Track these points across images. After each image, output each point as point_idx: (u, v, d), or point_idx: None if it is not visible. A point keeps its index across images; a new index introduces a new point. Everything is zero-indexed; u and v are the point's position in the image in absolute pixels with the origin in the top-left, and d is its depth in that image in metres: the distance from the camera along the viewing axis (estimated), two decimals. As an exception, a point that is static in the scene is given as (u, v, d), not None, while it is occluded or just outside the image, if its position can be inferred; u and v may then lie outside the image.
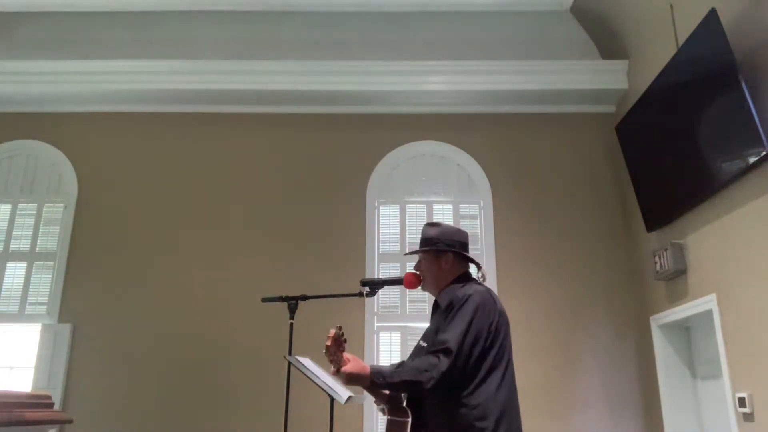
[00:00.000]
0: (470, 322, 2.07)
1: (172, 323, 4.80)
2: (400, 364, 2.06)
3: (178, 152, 5.24)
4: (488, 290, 2.25)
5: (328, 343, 1.99)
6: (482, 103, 5.28)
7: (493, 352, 2.09)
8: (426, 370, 1.98)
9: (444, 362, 1.99)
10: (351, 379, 2.03)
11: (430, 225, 2.41)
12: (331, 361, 2.01)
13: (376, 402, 2.32)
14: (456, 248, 2.31)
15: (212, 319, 4.80)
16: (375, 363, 4.67)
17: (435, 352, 2.03)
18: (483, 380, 2.05)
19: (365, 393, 2.22)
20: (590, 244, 4.98)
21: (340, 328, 2.04)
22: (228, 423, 4.57)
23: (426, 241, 2.35)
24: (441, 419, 2.06)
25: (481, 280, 2.33)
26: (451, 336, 2.03)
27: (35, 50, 5.27)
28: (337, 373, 2.02)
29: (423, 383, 1.97)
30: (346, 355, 2.05)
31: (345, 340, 2.05)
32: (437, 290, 2.33)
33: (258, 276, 4.88)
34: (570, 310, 4.82)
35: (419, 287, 2.45)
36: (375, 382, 2.02)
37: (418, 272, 2.40)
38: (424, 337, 2.29)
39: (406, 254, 2.76)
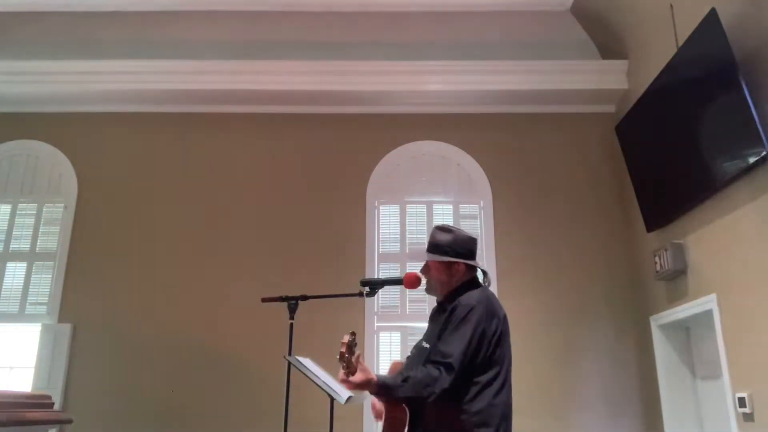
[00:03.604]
0: (473, 335, 2.08)
1: (172, 323, 4.80)
2: (406, 379, 2.05)
3: (178, 152, 5.24)
4: (491, 296, 2.24)
5: (343, 349, 2.00)
6: (482, 103, 5.28)
7: (494, 360, 2.11)
8: (428, 385, 2.01)
9: (446, 378, 2.01)
10: (357, 385, 2.05)
11: (442, 230, 2.35)
12: (344, 368, 2.02)
13: (372, 405, 2.33)
14: (468, 259, 2.29)
15: (212, 319, 4.80)
16: (375, 363, 4.69)
17: (437, 365, 2.05)
18: (484, 386, 2.07)
19: (365, 393, 2.22)
20: (590, 244, 4.98)
21: (353, 334, 2.04)
22: (228, 423, 4.57)
23: (437, 247, 2.31)
24: (441, 425, 2.07)
25: (486, 285, 2.33)
26: (454, 350, 2.05)
27: (35, 50, 5.27)
28: (346, 380, 2.03)
29: (425, 398, 2.01)
30: (356, 361, 2.04)
31: (356, 344, 2.05)
32: (443, 296, 2.32)
33: (258, 276, 4.88)
34: (570, 310, 4.82)
35: (421, 288, 2.44)
36: (379, 393, 2.07)
37: (424, 276, 2.39)
38: (427, 338, 2.29)
39: (410, 256, 2.75)
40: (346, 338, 2.01)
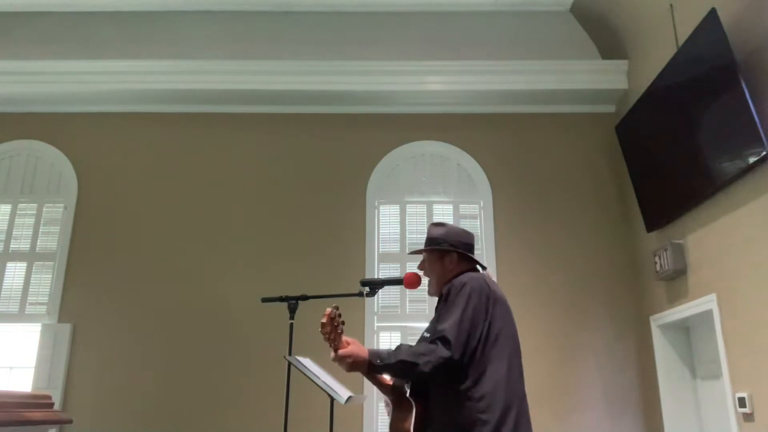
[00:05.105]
0: (465, 308, 2.06)
1: (172, 323, 4.80)
2: (398, 347, 2.05)
3: (178, 152, 5.24)
4: (487, 278, 2.23)
5: (324, 320, 1.98)
6: (482, 103, 5.28)
7: (492, 339, 2.06)
8: (423, 354, 1.98)
9: (442, 349, 1.98)
10: (349, 361, 2.02)
11: (436, 225, 2.40)
12: (327, 340, 2.00)
13: (385, 403, 2.32)
14: (460, 249, 2.30)
15: (212, 319, 4.80)
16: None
17: (433, 341, 2.03)
18: (486, 371, 2.02)
19: (365, 393, 2.21)
20: (590, 244, 4.98)
21: (336, 308, 2.03)
22: (228, 423, 4.57)
23: (431, 241, 2.34)
24: (446, 413, 2.04)
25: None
26: (448, 325, 2.03)
27: (35, 50, 5.27)
28: (336, 355, 2.01)
29: (420, 365, 1.97)
30: (345, 338, 2.05)
31: (343, 322, 2.03)
32: (440, 290, 2.32)
33: (258, 276, 4.88)
34: (570, 310, 4.82)
35: (421, 288, 2.44)
36: (373, 364, 2.01)
37: (422, 272, 2.40)
38: (428, 329, 2.29)
39: (410, 253, 2.74)
40: (328, 310, 1.99)
